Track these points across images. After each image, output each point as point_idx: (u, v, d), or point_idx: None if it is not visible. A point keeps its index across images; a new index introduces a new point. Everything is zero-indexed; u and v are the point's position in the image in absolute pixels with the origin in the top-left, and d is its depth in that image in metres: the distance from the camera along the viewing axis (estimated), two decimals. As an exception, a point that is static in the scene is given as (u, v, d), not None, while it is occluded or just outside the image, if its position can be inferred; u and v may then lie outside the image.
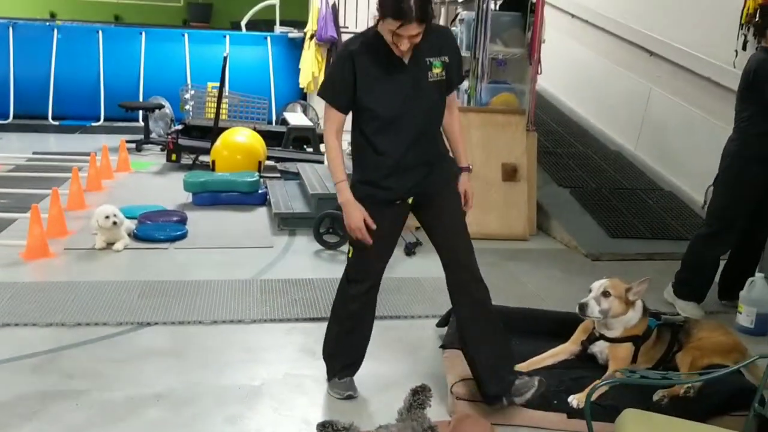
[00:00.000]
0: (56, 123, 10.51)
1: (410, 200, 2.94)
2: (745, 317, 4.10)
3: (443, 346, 3.48)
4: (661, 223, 5.98)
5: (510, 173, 5.94)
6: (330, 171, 2.96)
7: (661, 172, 6.89)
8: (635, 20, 7.29)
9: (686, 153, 6.65)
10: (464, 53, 6.42)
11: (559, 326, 3.57)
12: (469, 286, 2.91)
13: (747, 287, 4.10)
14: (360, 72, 2.72)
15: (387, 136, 2.79)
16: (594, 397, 2.67)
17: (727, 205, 4.23)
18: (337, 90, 2.80)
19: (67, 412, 2.96)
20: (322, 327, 3.93)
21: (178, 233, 5.46)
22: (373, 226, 2.83)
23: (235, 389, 3.21)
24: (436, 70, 2.74)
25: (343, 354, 3.16)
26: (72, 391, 3.13)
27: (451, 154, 3.00)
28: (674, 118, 6.78)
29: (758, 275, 4.09)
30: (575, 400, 3.00)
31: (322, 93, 2.85)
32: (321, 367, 3.46)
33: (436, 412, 2.99)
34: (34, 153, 8.45)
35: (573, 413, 2.95)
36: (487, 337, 2.92)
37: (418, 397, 2.72)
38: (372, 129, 2.80)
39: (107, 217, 4.94)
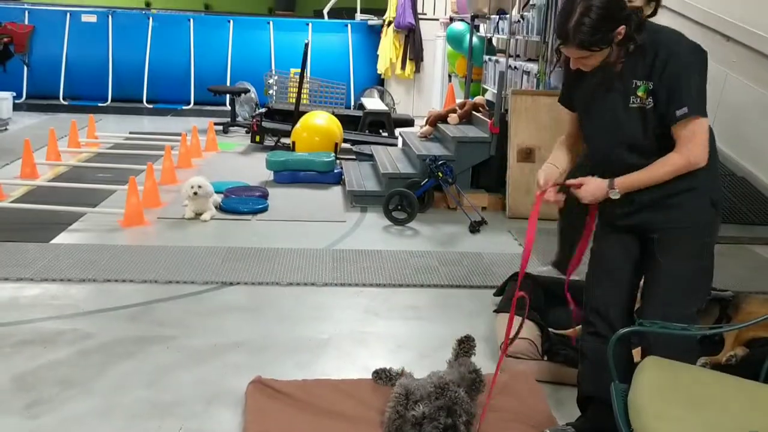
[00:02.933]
0: (150, 106, 11.22)
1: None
2: None
3: (496, 311, 3.73)
4: (730, 207, 5.98)
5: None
6: None
7: (734, 158, 6.83)
8: (710, 4, 7.22)
9: (762, 138, 6.58)
10: (535, 38, 6.58)
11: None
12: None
13: None
14: (574, 74, 2.52)
15: (590, 144, 2.63)
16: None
17: None
18: (563, 87, 2.69)
19: (158, 354, 3.37)
20: (386, 291, 4.29)
21: (260, 207, 5.88)
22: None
23: (305, 341, 3.56)
24: (640, 94, 2.35)
25: None
26: (163, 336, 3.55)
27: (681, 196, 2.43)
28: (750, 104, 6.71)
29: None
30: None
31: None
32: (382, 326, 3.78)
33: (486, 368, 3.24)
34: (130, 133, 9.10)
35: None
36: None
37: (464, 345, 3.00)
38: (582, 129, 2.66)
39: (192, 186, 5.40)
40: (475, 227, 5.58)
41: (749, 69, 6.70)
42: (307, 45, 8.51)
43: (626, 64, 2.37)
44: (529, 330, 3.38)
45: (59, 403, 2.89)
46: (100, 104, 11.05)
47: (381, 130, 8.91)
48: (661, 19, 7.87)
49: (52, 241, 4.90)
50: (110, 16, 11.37)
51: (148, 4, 15.98)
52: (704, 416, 1.93)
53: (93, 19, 11.42)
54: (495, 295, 4.12)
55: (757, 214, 5.88)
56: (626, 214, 2.53)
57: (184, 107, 11.31)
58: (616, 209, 2.52)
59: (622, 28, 2.29)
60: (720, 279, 4.47)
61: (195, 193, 5.44)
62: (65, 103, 11.09)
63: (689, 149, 2.30)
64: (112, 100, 11.23)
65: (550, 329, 3.51)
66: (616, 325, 2.51)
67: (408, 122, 9.14)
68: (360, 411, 2.84)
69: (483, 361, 3.30)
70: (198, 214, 5.58)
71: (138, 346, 3.43)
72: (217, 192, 5.91)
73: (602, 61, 2.36)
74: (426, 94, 11.37)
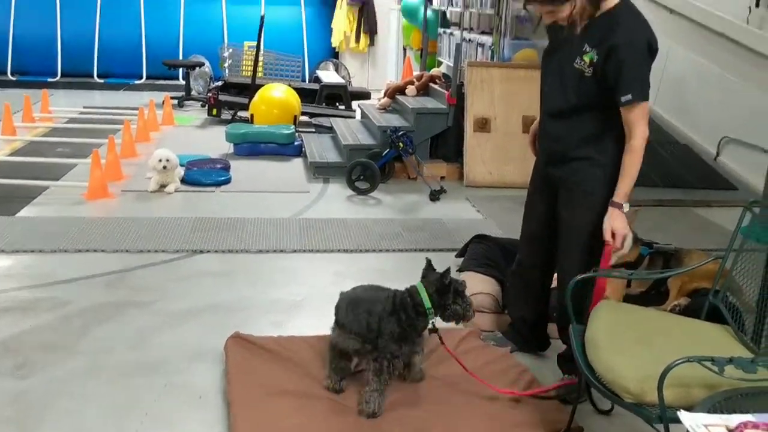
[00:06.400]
0: (101, 81, 11.08)
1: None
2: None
3: (459, 270, 3.95)
4: (673, 173, 6.33)
5: (530, 126, 6.31)
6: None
7: (677, 126, 7.20)
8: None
9: (701, 107, 6.95)
10: (488, 11, 6.77)
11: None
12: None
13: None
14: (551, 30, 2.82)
15: (541, 100, 2.89)
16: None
17: None
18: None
19: (137, 317, 3.49)
20: (354, 257, 4.47)
21: (223, 178, 5.97)
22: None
23: (279, 302, 3.72)
24: (586, 59, 2.58)
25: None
26: (140, 302, 3.66)
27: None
28: (691, 74, 7.06)
29: None
30: None
31: None
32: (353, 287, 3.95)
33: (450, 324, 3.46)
34: (84, 107, 9.00)
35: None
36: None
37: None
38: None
39: (160, 160, 5.46)
40: (435, 195, 5.78)
41: (691, 41, 7.03)
42: (263, 18, 8.53)
43: (587, 28, 2.61)
44: (490, 285, 3.61)
45: (47, 364, 2.99)
46: (49, 79, 10.86)
47: (338, 103, 9.02)
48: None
49: (18, 215, 4.93)
50: (57, -11, 11.13)
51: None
52: (651, 349, 2.18)
53: (39, -9, 11.17)
54: (457, 256, 4.33)
55: (698, 179, 6.24)
56: (548, 163, 2.93)
57: (137, 82, 11.20)
58: None
59: None
60: (664, 238, 4.79)
61: (164, 167, 5.50)
62: (13, 78, 10.88)
63: (640, 130, 2.58)
64: (61, 75, 11.06)
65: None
66: None
67: (364, 95, 9.27)
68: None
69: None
70: (162, 187, 5.64)
71: (116, 310, 3.55)
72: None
73: (575, 15, 2.55)
74: (380, 66, 11.50)
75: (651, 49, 2.56)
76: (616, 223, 2.63)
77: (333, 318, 3.52)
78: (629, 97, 2.51)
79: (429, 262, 2.80)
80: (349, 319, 2.74)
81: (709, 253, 4.50)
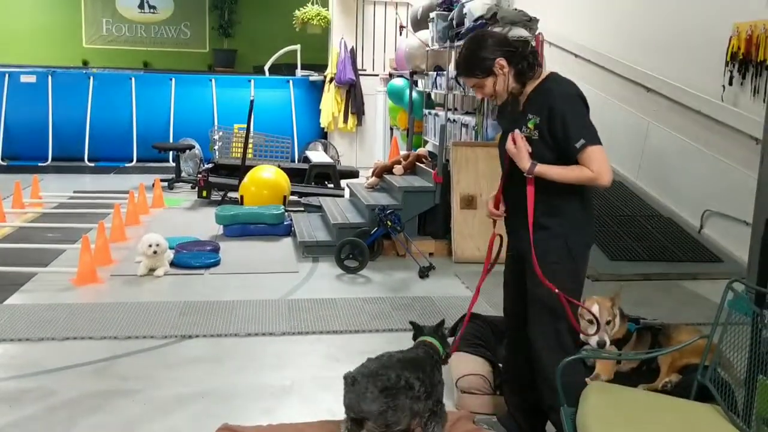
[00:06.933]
0: (92, 164, 11.19)
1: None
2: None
3: (450, 350, 3.93)
4: (658, 246, 6.40)
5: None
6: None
7: (660, 200, 7.32)
8: (632, 59, 7.80)
9: (683, 181, 7.09)
10: (471, 93, 6.97)
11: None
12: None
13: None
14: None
15: (502, 173, 2.94)
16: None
17: None
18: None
19: (125, 407, 3.44)
20: (345, 338, 4.45)
21: (212, 261, 5.98)
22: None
23: (268, 388, 3.69)
24: (530, 126, 2.72)
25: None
26: (128, 390, 3.62)
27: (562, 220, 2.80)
28: (671, 149, 7.23)
29: None
30: None
31: None
32: (343, 370, 3.91)
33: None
34: (74, 192, 9.07)
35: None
36: None
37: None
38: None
39: (150, 245, 5.48)
40: (423, 272, 5.81)
41: (668, 117, 7.23)
42: (252, 102, 8.74)
43: (527, 103, 2.79)
44: (481, 366, 3.59)
45: (32, 459, 2.94)
46: (40, 164, 10.97)
47: (327, 182, 9.14)
48: (591, 73, 8.44)
49: (6, 302, 4.90)
50: (50, 76, 11.38)
51: (85, 63, 15.96)
52: None
53: (32, 79, 11.42)
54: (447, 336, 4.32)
55: (683, 251, 6.30)
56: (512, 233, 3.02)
57: (127, 165, 11.33)
58: None
59: (502, 61, 2.73)
60: (650, 312, 4.82)
61: (154, 252, 5.52)
62: (4, 163, 10.98)
63: (599, 167, 2.66)
64: (52, 160, 11.16)
65: (500, 364, 3.73)
66: None
67: (353, 174, 9.41)
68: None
69: (440, 398, 3.50)
70: (151, 270, 5.64)
71: (104, 400, 3.50)
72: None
73: (499, 90, 2.76)
74: (368, 146, 11.71)
75: (584, 101, 2.77)
76: (522, 152, 2.68)
77: (322, 402, 3.51)
78: (582, 141, 2.65)
79: (415, 324, 3.17)
80: (420, 382, 2.78)
81: (697, 326, 4.55)
